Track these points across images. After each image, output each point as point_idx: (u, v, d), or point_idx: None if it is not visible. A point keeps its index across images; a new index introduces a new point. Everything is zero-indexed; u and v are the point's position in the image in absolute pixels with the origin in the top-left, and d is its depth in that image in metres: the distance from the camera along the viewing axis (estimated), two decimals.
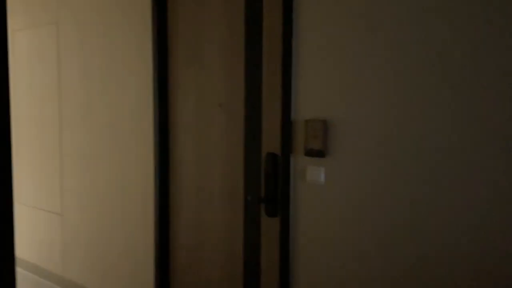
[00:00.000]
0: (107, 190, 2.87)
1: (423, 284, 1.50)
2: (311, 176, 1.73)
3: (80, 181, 3.05)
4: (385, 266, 1.58)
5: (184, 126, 2.38)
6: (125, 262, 2.79)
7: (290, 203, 1.82)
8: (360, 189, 1.62)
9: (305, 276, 1.79)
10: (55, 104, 3.21)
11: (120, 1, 2.72)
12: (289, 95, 1.78)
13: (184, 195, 2.39)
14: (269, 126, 1.91)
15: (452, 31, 1.41)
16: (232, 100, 2.11)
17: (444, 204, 1.45)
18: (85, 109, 2.98)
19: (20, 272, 3.60)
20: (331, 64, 1.67)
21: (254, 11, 1.92)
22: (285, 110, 1.80)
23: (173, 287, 2.47)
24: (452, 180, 1.43)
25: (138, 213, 2.68)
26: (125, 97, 2.71)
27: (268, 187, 1.89)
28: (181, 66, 2.36)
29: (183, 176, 2.39)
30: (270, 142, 1.91)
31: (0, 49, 0.91)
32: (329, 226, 1.71)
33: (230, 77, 2.11)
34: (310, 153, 1.73)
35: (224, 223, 2.17)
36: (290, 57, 1.77)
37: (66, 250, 3.22)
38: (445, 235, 1.45)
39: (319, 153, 1.70)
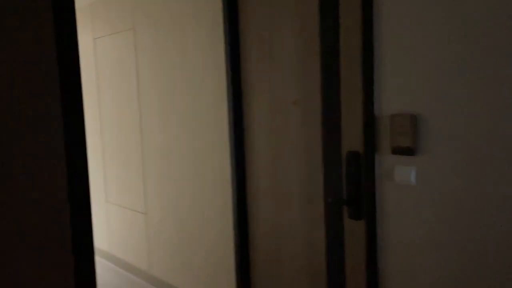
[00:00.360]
0: (187, 189, 2.91)
1: None
2: (400, 176, 1.57)
3: (162, 181, 3.13)
4: (484, 274, 1.38)
5: (259, 125, 2.31)
6: (207, 260, 2.81)
7: (377, 205, 1.67)
8: (457, 191, 1.43)
9: (394, 282, 1.64)
10: (135, 107, 3.33)
11: (192, 2, 2.71)
12: (372, 88, 1.63)
13: (261, 195, 2.33)
14: (349, 122, 1.77)
15: None
16: (307, 96, 2.00)
17: None
18: (163, 111, 3.04)
19: (110, 267, 3.82)
20: (420, 52, 1.49)
21: None
22: (367, 105, 1.65)
23: (254, 286, 2.43)
24: None
25: (217, 213, 2.68)
26: (201, 97, 2.72)
27: (350, 188, 1.76)
28: (254, 63, 2.29)
29: (260, 176, 2.33)
30: (351, 139, 1.77)
31: (71, 57, 0.89)
32: (421, 230, 1.54)
33: (305, 71, 2.00)
34: (397, 151, 1.57)
35: (304, 224, 2.08)
36: (371, 46, 1.61)
37: (151, 247, 3.34)
38: None
39: (408, 151, 1.53)
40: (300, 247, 2.12)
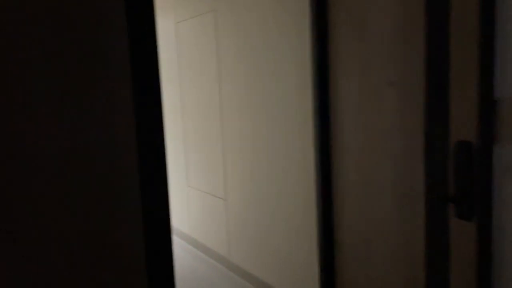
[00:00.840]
0: (268, 176, 2.80)
1: None
2: None
3: (242, 167, 3.06)
4: None
5: (347, 110, 2.11)
6: (287, 250, 2.69)
7: (494, 204, 1.41)
8: None
9: None
10: (216, 91, 3.27)
11: None
12: (491, 66, 1.36)
13: (348, 187, 2.14)
14: (459, 107, 1.51)
15: None
16: (406, 77, 1.76)
17: None
18: (243, 96, 2.94)
19: (190, 250, 3.87)
20: None
21: None
22: (485, 86, 1.38)
23: (339, 281, 2.26)
24: None
25: (299, 202, 2.54)
26: (284, 81, 2.57)
27: (459, 184, 1.51)
28: (343, 41, 2.08)
29: (347, 167, 2.13)
30: (461, 127, 1.51)
31: (149, 48, 0.80)
32: None
33: (404, 49, 1.76)
34: None
35: (398, 223, 1.86)
36: (490, 12, 1.34)
37: (230, 234, 3.30)
38: None
39: None
40: (393, 249, 1.91)
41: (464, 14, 1.48)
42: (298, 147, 2.49)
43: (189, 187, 3.86)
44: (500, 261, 1.43)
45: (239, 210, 3.15)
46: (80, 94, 0.82)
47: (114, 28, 0.81)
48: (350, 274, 2.19)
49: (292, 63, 2.46)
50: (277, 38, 2.57)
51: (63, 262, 0.80)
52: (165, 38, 3.98)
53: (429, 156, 1.65)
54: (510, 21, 1.31)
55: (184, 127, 3.82)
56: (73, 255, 0.82)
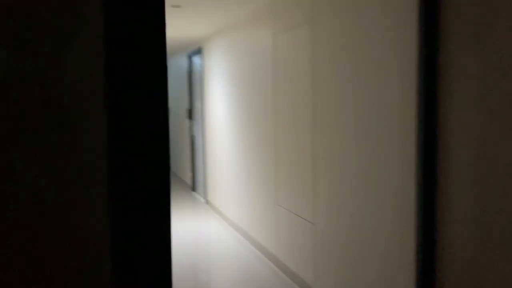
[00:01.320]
0: (362, 201, 2.49)
1: None
2: None
3: (333, 189, 2.79)
4: None
5: (461, 128, 1.74)
6: (382, 282, 2.35)
7: None
8: None
9: None
10: (308, 105, 3.06)
11: None
12: None
13: (458, 218, 1.76)
14: None
15: None
16: None
17: None
18: (338, 110, 2.69)
19: (276, 273, 3.67)
20: None
21: None
22: None
23: None
24: None
25: (396, 228, 2.19)
26: (382, 95, 2.27)
27: None
28: (457, 50, 1.73)
29: (457, 192, 1.76)
30: None
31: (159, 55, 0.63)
32: None
33: None
34: None
35: None
36: None
37: (317, 259, 3.03)
38: None
39: None
40: None
41: None
42: (397, 171, 2.16)
43: (279, 205, 3.68)
44: None
45: (328, 236, 2.87)
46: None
47: None
48: None
49: (395, 76, 2.16)
50: (379, 49, 2.28)
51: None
52: (262, 50, 3.90)
53: None
54: None
55: (276, 141, 3.67)
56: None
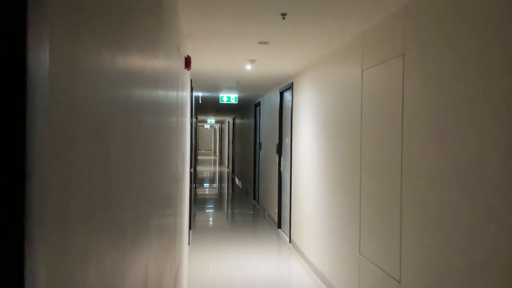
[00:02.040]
0: (460, 262, 2.10)
1: None
2: None
3: (423, 242, 2.42)
4: None
5: None
6: None
7: None
8: None
9: None
10: (398, 146, 2.75)
11: (475, 25, 1.98)
12: None
13: None
14: None
15: None
16: None
17: None
18: (430, 153, 2.36)
19: None
20: None
21: None
22: None
23: None
24: None
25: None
26: (485, 138, 1.91)
27: None
28: None
29: None
30: None
31: None
32: None
33: None
34: None
35: None
36: None
37: None
38: None
39: None
40: None
41: None
42: (505, 222, 1.77)
43: (361, 255, 3.34)
44: None
45: None
46: None
47: None
48: None
49: (499, 119, 1.81)
50: (478, 85, 1.95)
51: None
52: (349, 85, 3.69)
53: None
54: None
55: (362, 183, 3.37)
56: None
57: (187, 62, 3.59)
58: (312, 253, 4.78)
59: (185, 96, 3.94)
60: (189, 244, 5.64)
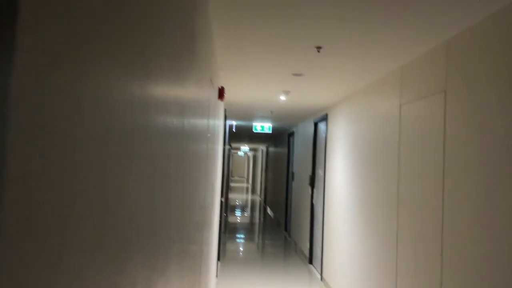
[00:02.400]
0: None
1: None
2: None
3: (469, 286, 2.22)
4: None
5: None
6: None
7: None
8: None
9: None
10: (439, 186, 2.58)
11: None
12: None
13: None
14: None
15: None
16: None
17: None
18: (476, 194, 2.18)
19: None
20: None
21: None
22: None
23: None
24: None
25: None
26: None
27: None
28: None
29: None
30: None
31: None
32: None
33: None
34: None
35: None
36: None
37: None
38: None
39: None
40: None
41: None
42: None
43: None
44: None
45: None
46: None
47: None
48: None
49: None
50: None
51: None
52: (386, 120, 3.56)
53: None
54: None
55: (398, 224, 3.18)
56: None
57: (221, 93, 3.59)
58: None
59: (217, 125, 3.92)
60: (216, 276, 5.51)
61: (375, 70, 3.51)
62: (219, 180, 4.86)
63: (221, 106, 4.44)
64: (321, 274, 5.67)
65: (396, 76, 3.39)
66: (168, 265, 1.31)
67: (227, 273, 5.90)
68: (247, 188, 26.11)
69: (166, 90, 1.14)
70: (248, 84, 4.47)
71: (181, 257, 1.62)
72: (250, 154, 27.72)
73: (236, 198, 18.94)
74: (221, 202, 5.90)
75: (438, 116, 2.65)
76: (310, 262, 6.46)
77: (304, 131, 7.59)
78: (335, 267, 4.99)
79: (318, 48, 2.91)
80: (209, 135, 2.62)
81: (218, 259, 6.05)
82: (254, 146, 18.44)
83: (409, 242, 2.98)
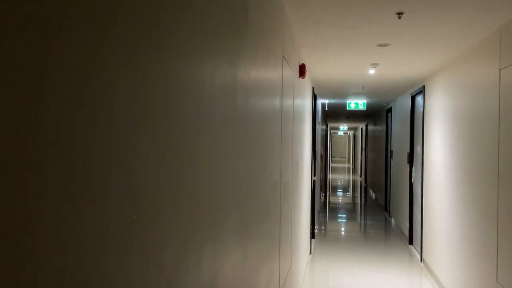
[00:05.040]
0: None
1: None
2: None
3: None
4: None
5: None
6: None
7: None
8: None
9: None
10: None
11: None
12: None
13: None
14: None
15: None
16: None
17: None
18: None
19: None
20: None
21: None
22: None
23: None
24: None
25: None
26: None
27: None
28: None
29: None
30: None
31: None
32: None
33: None
34: None
35: None
36: None
37: None
38: None
39: None
40: None
41: None
42: None
43: (499, 284, 2.85)
44: None
45: None
46: None
47: None
48: None
49: None
50: None
51: None
52: (486, 89, 3.21)
53: None
54: None
55: (499, 201, 2.89)
56: None
57: (302, 70, 3.56)
58: (444, 276, 4.28)
59: (300, 104, 3.91)
60: (310, 253, 5.57)
61: (470, 34, 3.18)
62: (307, 158, 4.86)
63: (305, 84, 4.41)
64: (421, 255, 5.40)
65: (494, 38, 3.04)
66: (225, 228, 1.37)
67: (326, 251, 5.92)
68: (348, 169, 25.60)
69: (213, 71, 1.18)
70: (333, 60, 4.36)
71: (250, 225, 1.68)
72: (351, 133, 27.03)
73: (338, 178, 18.72)
74: (314, 181, 5.90)
75: None
76: (410, 242, 6.17)
77: (402, 106, 7.18)
78: (435, 248, 4.71)
79: (399, 14, 2.73)
80: (283, 114, 2.64)
81: (313, 237, 6.09)
82: (352, 125, 17.95)
83: (510, 224, 2.70)
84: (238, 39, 1.43)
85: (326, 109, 9.03)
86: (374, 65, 4.45)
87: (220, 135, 1.22)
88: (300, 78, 3.59)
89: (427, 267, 5.01)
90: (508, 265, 2.73)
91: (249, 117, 1.64)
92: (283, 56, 2.54)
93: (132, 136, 0.72)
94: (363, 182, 15.62)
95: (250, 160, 1.66)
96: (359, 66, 4.60)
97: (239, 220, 1.50)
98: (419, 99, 5.88)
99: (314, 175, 6.02)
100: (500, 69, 2.93)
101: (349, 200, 12.13)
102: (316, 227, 6.91)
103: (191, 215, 1.00)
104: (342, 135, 31.58)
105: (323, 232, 7.38)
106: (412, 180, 6.10)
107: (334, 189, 14.48)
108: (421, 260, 5.36)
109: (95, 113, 0.61)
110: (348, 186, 16.05)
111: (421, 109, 5.60)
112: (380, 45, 3.60)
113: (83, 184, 0.59)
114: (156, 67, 0.81)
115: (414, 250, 5.92)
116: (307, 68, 3.94)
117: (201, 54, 1.05)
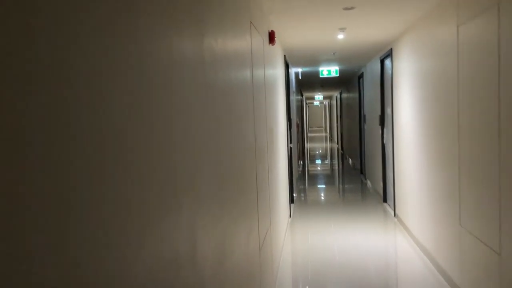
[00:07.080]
0: None
1: None
2: None
3: None
4: None
5: None
6: None
7: None
8: None
9: None
10: (495, 111, 2.48)
11: None
12: None
13: None
14: None
15: None
16: None
17: None
18: None
19: None
20: None
21: None
22: None
23: None
24: None
25: None
26: None
27: None
28: None
29: None
30: None
31: None
32: None
33: None
34: None
35: None
36: None
37: None
38: None
39: None
40: None
41: None
42: None
43: (461, 227, 3.10)
44: None
45: None
46: None
47: None
48: None
49: None
50: None
51: None
52: (444, 46, 3.38)
53: None
54: None
55: (460, 152, 3.10)
56: None
57: (271, 37, 3.65)
58: (415, 227, 4.56)
59: (272, 73, 4.01)
60: (290, 216, 5.79)
61: None
62: (282, 126, 5.00)
63: (277, 52, 4.49)
64: (394, 211, 5.69)
65: None
66: (201, 191, 1.50)
67: (306, 214, 6.17)
68: (325, 137, 26.02)
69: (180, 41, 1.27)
70: (302, 27, 4.45)
71: (224, 188, 1.81)
72: (326, 103, 27.32)
73: (316, 147, 19.05)
74: (290, 148, 6.07)
75: (492, 33, 2.49)
76: (385, 200, 6.47)
77: (372, 70, 7.36)
78: (406, 203, 4.99)
79: None
80: (254, 84, 2.73)
81: (292, 201, 6.31)
82: (327, 93, 18.16)
83: (470, 171, 2.92)
84: (205, 4, 1.52)
85: (300, 77, 9.15)
86: (342, 29, 4.56)
87: (190, 97, 1.32)
88: (270, 44, 3.68)
89: (400, 221, 5.30)
90: (467, 210, 2.97)
91: (219, 83, 1.74)
92: (251, 22, 2.62)
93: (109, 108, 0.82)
94: (340, 149, 15.97)
95: (222, 125, 1.77)
96: (327, 31, 4.70)
97: (216, 176, 1.63)
98: (387, 62, 6.04)
99: (291, 143, 6.19)
100: (457, 26, 3.09)
101: (327, 167, 12.44)
102: (295, 194, 7.13)
103: (170, 170, 1.12)
104: (318, 105, 31.87)
105: (302, 198, 7.62)
106: (384, 141, 6.34)
107: (313, 158, 14.79)
108: (395, 215, 5.65)
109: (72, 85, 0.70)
110: (326, 154, 16.38)
111: (390, 72, 5.78)
112: (346, 8, 3.70)
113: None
114: (125, 36, 0.89)
115: (388, 207, 6.22)
116: (277, 36, 4.02)
117: (169, 21, 1.14)
